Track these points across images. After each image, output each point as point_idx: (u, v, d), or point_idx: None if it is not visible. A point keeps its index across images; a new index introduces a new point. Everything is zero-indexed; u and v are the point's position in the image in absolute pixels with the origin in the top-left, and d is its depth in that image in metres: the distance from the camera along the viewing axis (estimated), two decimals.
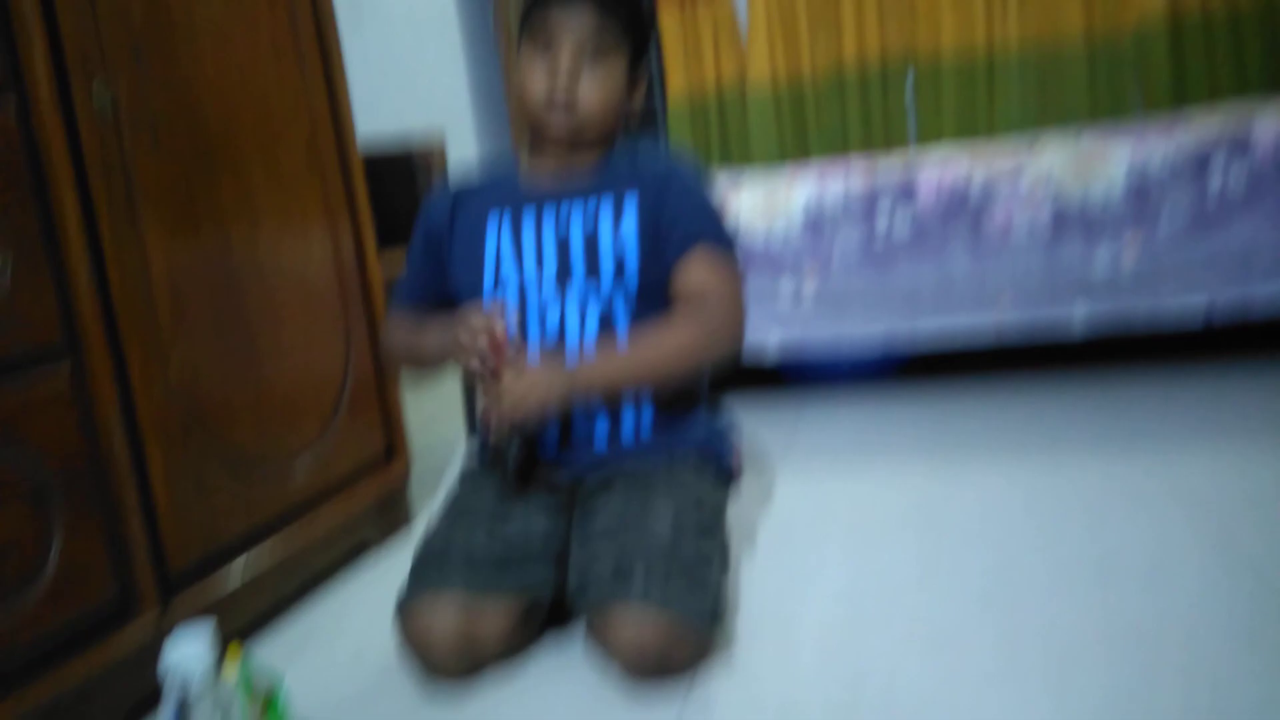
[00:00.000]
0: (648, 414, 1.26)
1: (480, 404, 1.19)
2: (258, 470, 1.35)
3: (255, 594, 1.34)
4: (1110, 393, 2.00)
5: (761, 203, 2.16)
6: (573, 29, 1.19)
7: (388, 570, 1.51)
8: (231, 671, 0.82)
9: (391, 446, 1.70)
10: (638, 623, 1.04)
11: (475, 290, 1.30)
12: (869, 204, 2.08)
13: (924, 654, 1.07)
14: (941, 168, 2.07)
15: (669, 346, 1.20)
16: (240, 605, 1.30)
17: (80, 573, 1.06)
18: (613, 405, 1.25)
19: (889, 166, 2.17)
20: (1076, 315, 1.98)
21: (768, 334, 2.15)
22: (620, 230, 1.24)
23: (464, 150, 3.16)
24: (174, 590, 1.19)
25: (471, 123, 3.27)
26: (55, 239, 1.07)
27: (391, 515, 1.71)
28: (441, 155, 2.16)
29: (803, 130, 3.53)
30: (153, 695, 1.13)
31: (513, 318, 1.23)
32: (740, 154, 3.62)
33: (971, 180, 2.02)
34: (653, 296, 1.25)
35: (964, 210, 2.01)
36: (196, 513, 1.23)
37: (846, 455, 1.84)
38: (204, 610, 1.21)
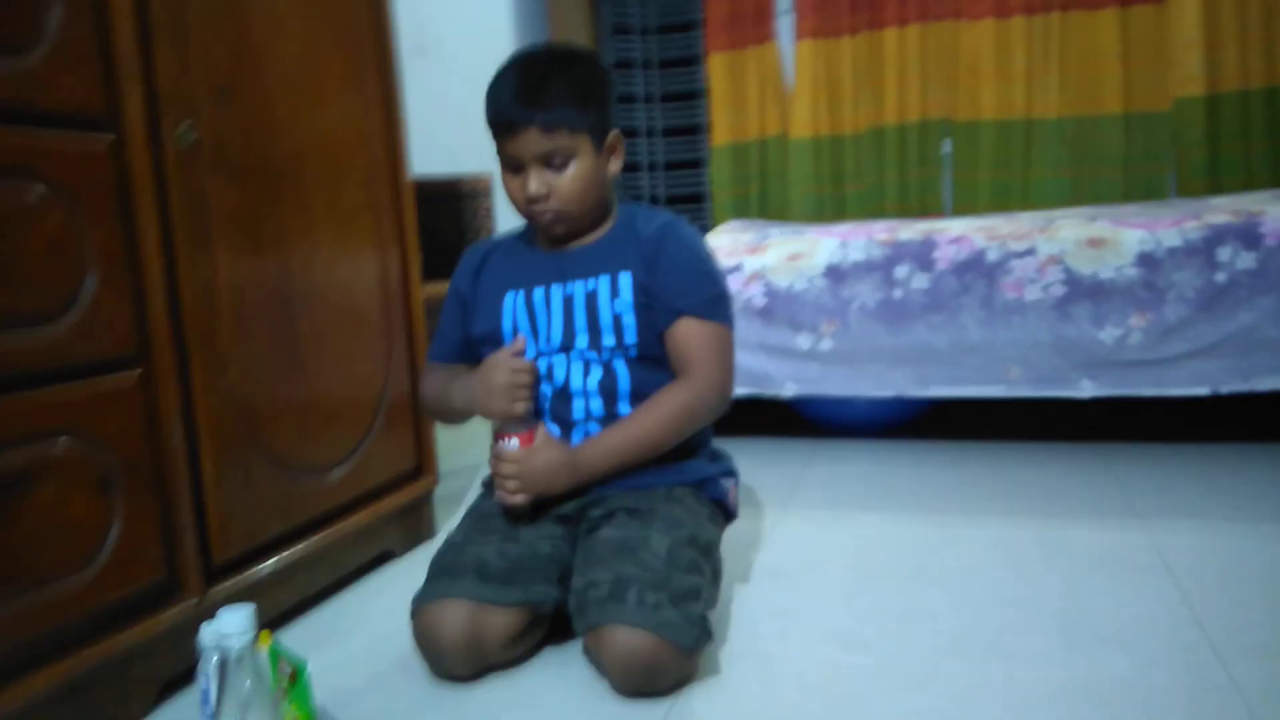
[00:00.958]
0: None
1: (490, 464, 1.35)
2: (298, 475, 1.48)
3: (286, 588, 1.47)
4: (1109, 465, 2.08)
5: (786, 258, 2.27)
6: (528, 150, 1.30)
7: (407, 578, 1.62)
8: (264, 647, 0.94)
9: (420, 463, 1.82)
10: (628, 641, 1.14)
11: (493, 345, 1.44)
12: (888, 266, 2.18)
13: (894, 693, 1.16)
14: (960, 237, 2.16)
15: (661, 418, 1.34)
16: (271, 597, 1.42)
17: (134, 554, 1.19)
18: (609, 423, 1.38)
19: (910, 232, 2.27)
20: (1083, 394, 2.07)
21: (783, 385, 2.26)
22: (616, 306, 1.36)
23: None
24: (215, 578, 1.32)
25: None
26: (136, 260, 1.21)
27: (415, 528, 1.83)
28: (487, 192, 2.30)
29: (840, 186, 3.64)
30: (187, 672, 1.26)
31: (530, 354, 1.39)
32: (778, 204, 3.73)
33: (987, 251, 2.12)
34: (650, 357, 1.38)
35: (979, 279, 2.11)
36: (240, 509, 1.36)
37: (847, 503, 1.94)
38: (239, 598, 1.33)
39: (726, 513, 1.46)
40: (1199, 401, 2.45)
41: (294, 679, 1.00)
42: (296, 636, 1.44)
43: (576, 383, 1.37)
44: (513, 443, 1.31)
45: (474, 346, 1.47)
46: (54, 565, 1.09)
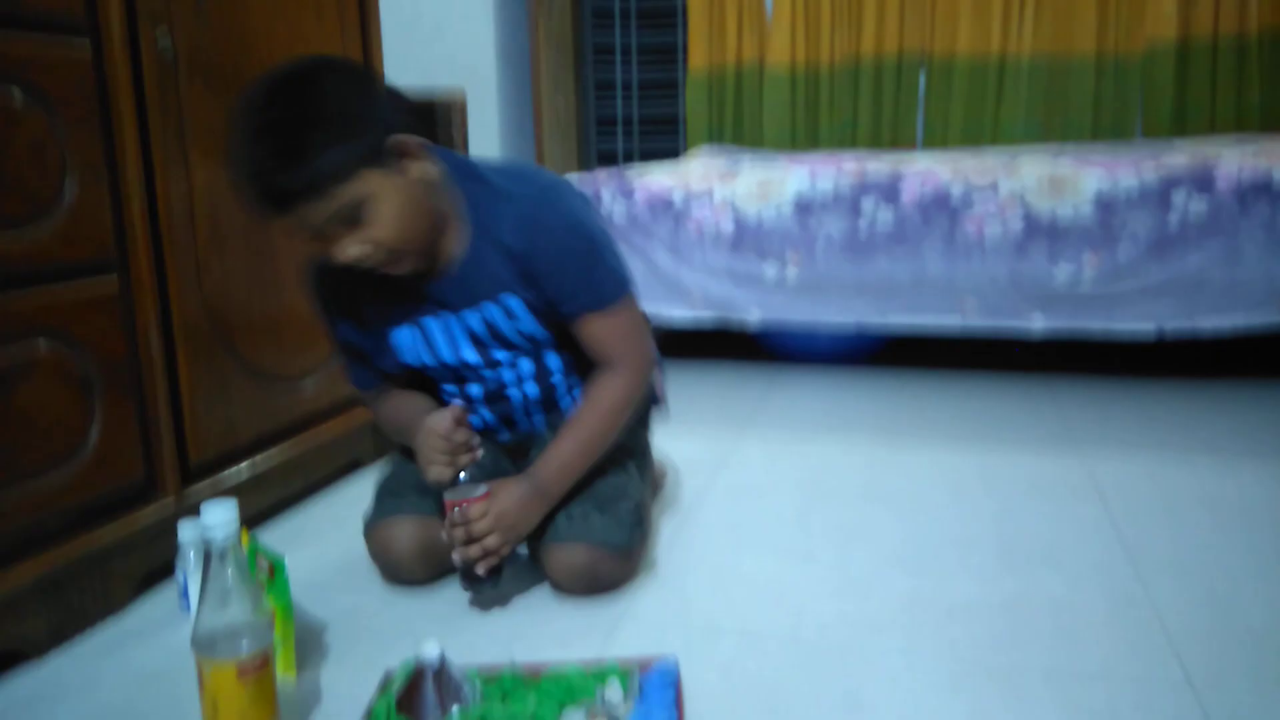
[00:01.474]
0: (579, 392, 1.36)
1: (453, 538, 1.20)
2: (272, 383, 1.52)
3: (261, 492, 1.52)
4: (1054, 398, 2.17)
5: (756, 187, 2.30)
6: (314, 226, 1.07)
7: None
8: (244, 542, 0.99)
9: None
10: (564, 557, 1.23)
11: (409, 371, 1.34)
12: (855, 199, 2.22)
13: (834, 598, 1.24)
14: (926, 172, 2.21)
15: (603, 416, 1.27)
16: (247, 500, 1.47)
17: (114, 454, 1.23)
18: (549, 400, 1.34)
19: (878, 165, 2.31)
20: (1034, 327, 2.15)
21: (748, 311, 2.32)
22: (518, 325, 1.26)
23: (486, 112, 3.28)
24: (191, 479, 1.37)
25: (495, 86, 3.39)
26: (115, 166, 1.23)
27: (384, 437, 1.88)
28: (463, 110, 2.30)
29: (815, 117, 3.65)
30: (164, 567, 1.31)
31: (474, 420, 1.32)
32: (752, 133, 3.74)
33: (952, 187, 2.16)
34: (577, 344, 1.30)
35: (942, 215, 2.16)
36: (217, 413, 1.40)
37: (804, 428, 2.01)
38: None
39: (652, 402, 1.46)
40: (1145, 340, 2.54)
41: (273, 574, 1.06)
42: (272, 537, 1.50)
43: (509, 375, 1.31)
44: (474, 507, 1.20)
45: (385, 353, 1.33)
46: (37, 461, 1.13)
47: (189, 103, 1.33)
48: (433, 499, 1.28)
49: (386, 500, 1.32)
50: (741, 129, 3.76)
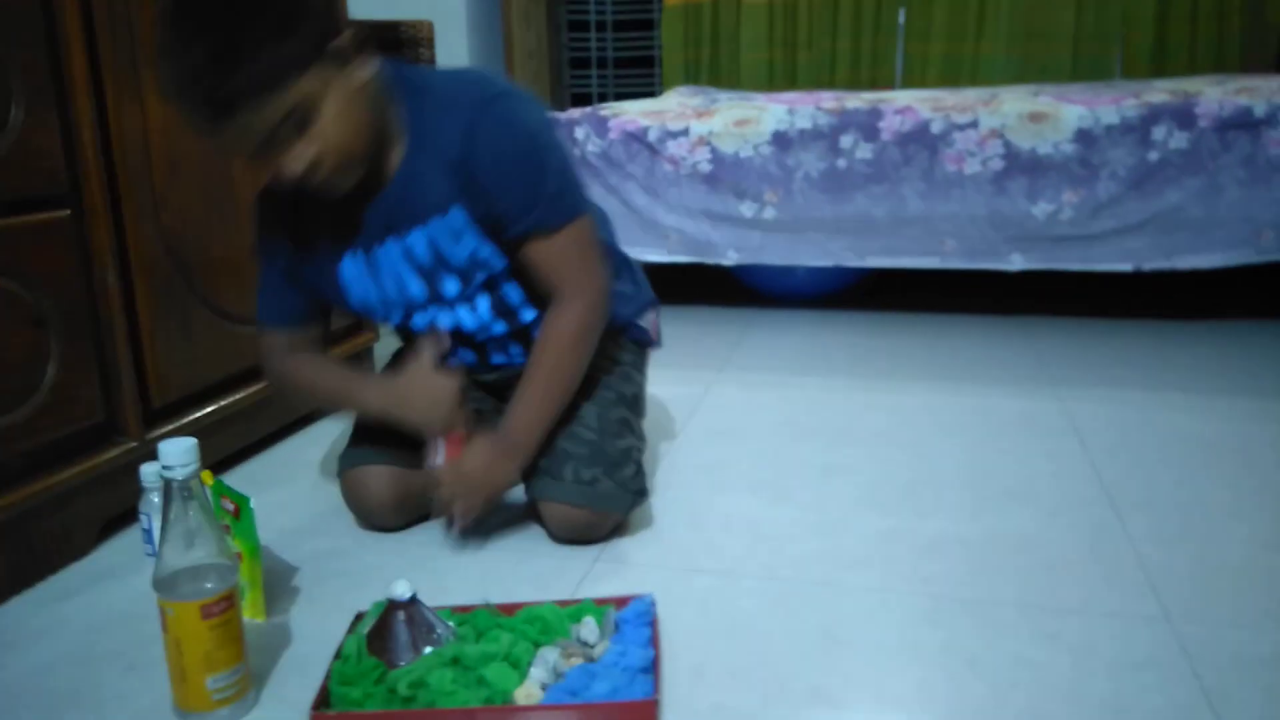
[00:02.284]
0: None
1: (435, 493, 1.19)
2: (236, 325, 1.48)
3: (227, 435, 1.48)
4: (1030, 338, 2.16)
5: (734, 124, 2.25)
6: (252, 142, 0.98)
7: (346, 429, 1.65)
8: (206, 484, 0.96)
9: (359, 321, 1.82)
10: (567, 514, 1.20)
11: (351, 314, 1.27)
12: (834, 135, 2.18)
13: (811, 537, 1.23)
14: (905, 108, 2.17)
15: (564, 354, 1.20)
16: (212, 443, 1.43)
17: (71, 395, 1.19)
18: (520, 333, 1.26)
19: (857, 102, 2.27)
20: (1013, 267, 2.14)
21: (725, 254, 2.28)
22: (463, 245, 1.15)
23: (454, 46, 3.19)
24: (154, 422, 1.33)
25: (464, 20, 3.30)
26: (65, 94, 1.17)
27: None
28: (430, 39, 2.22)
29: (792, 54, 3.59)
30: (128, 512, 1.28)
31: (395, 319, 1.23)
32: (729, 70, 3.68)
33: (931, 123, 2.13)
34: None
35: (921, 150, 2.13)
36: (179, 354, 1.36)
37: (780, 369, 2.00)
38: None
39: (646, 343, 1.42)
40: (1123, 278, 2.54)
41: (238, 514, 1.03)
42: (238, 480, 1.47)
43: (470, 322, 1.22)
44: (439, 458, 1.19)
45: (319, 297, 1.25)
46: None
47: (141, 26, 1.26)
48: (413, 450, 1.24)
49: (363, 447, 1.28)
50: (718, 68, 3.69)
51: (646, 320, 1.41)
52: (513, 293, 1.22)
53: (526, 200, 1.12)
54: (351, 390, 1.25)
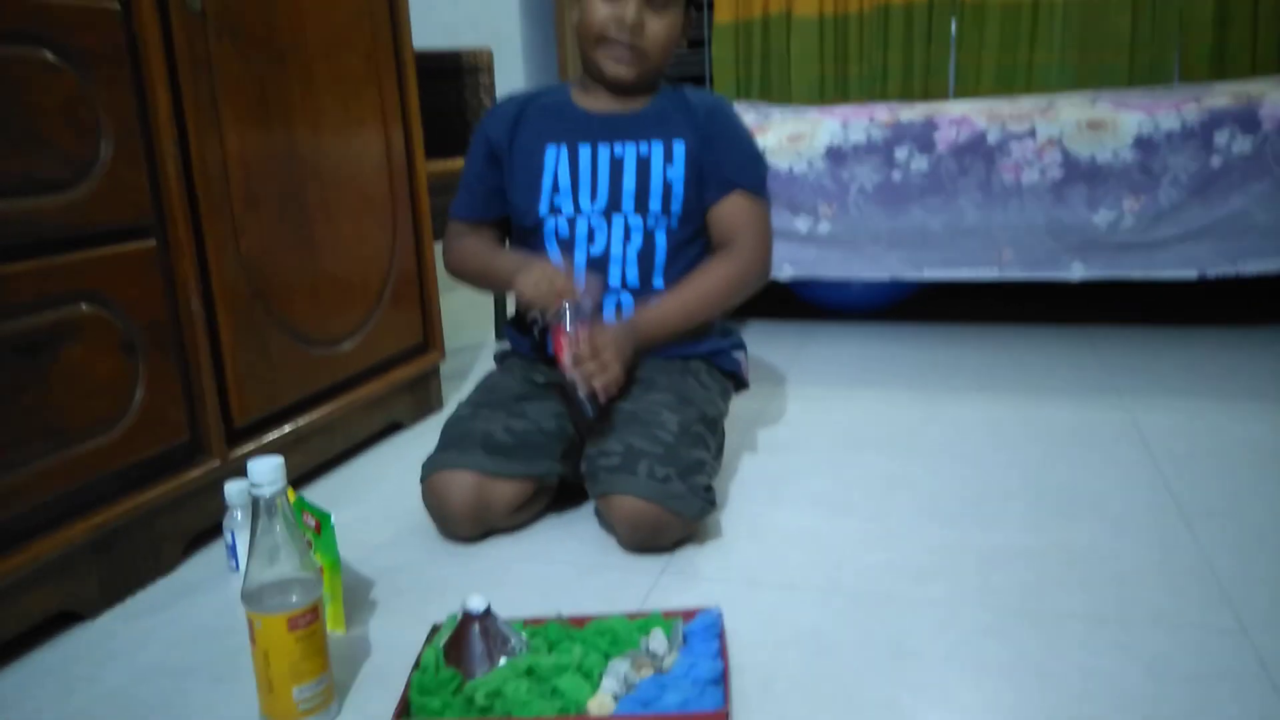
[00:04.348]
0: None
1: (570, 374, 1.26)
2: (311, 345, 1.53)
3: (302, 453, 1.53)
4: (1094, 347, 2.14)
5: (787, 140, 2.27)
6: None
7: (417, 447, 1.69)
8: (290, 498, 1.00)
9: (427, 338, 1.87)
10: (636, 508, 1.22)
11: (530, 213, 1.44)
12: (888, 148, 2.18)
13: (872, 550, 1.24)
14: (961, 119, 2.16)
15: (710, 288, 1.39)
16: (289, 461, 1.46)
17: (159, 416, 1.24)
18: (643, 286, 1.41)
19: (911, 114, 2.27)
20: (1074, 276, 2.11)
21: (781, 266, 2.30)
22: (669, 173, 1.39)
23: (510, 73, 3.25)
24: (235, 441, 1.38)
25: (519, 47, 3.36)
26: (149, 128, 1.23)
27: (423, 400, 1.89)
28: (489, 66, 2.28)
29: (844, 67, 3.59)
30: (212, 529, 1.33)
31: (581, 276, 1.37)
32: (780, 85, 3.69)
33: (988, 133, 2.12)
34: (690, 229, 1.42)
35: (978, 161, 2.12)
36: (258, 375, 1.41)
37: (839, 382, 2.00)
38: None
39: (738, 382, 1.53)
40: (1186, 285, 2.50)
41: (319, 529, 1.07)
42: (314, 497, 1.52)
43: (616, 249, 1.41)
44: (576, 346, 1.25)
45: (504, 199, 1.48)
46: (84, 424, 1.14)
47: (219, 61, 1.32)
48: (498, 458, 1.28)
49: (450, 450, 1.31)
50: (769, 83, 3.71)
51: (739, 357, 1.52)
52: (661, 248, 1.40)
53: (745, 164, 1.41)
54: (495, 258, 1.46)
